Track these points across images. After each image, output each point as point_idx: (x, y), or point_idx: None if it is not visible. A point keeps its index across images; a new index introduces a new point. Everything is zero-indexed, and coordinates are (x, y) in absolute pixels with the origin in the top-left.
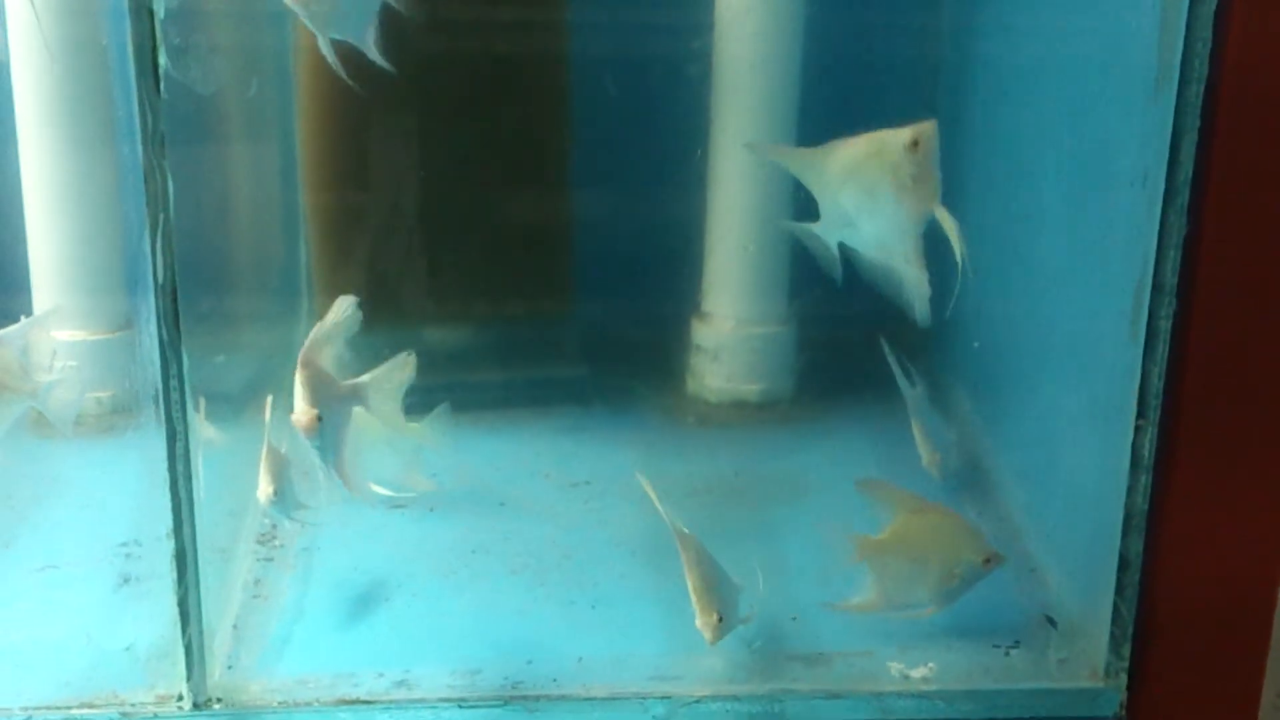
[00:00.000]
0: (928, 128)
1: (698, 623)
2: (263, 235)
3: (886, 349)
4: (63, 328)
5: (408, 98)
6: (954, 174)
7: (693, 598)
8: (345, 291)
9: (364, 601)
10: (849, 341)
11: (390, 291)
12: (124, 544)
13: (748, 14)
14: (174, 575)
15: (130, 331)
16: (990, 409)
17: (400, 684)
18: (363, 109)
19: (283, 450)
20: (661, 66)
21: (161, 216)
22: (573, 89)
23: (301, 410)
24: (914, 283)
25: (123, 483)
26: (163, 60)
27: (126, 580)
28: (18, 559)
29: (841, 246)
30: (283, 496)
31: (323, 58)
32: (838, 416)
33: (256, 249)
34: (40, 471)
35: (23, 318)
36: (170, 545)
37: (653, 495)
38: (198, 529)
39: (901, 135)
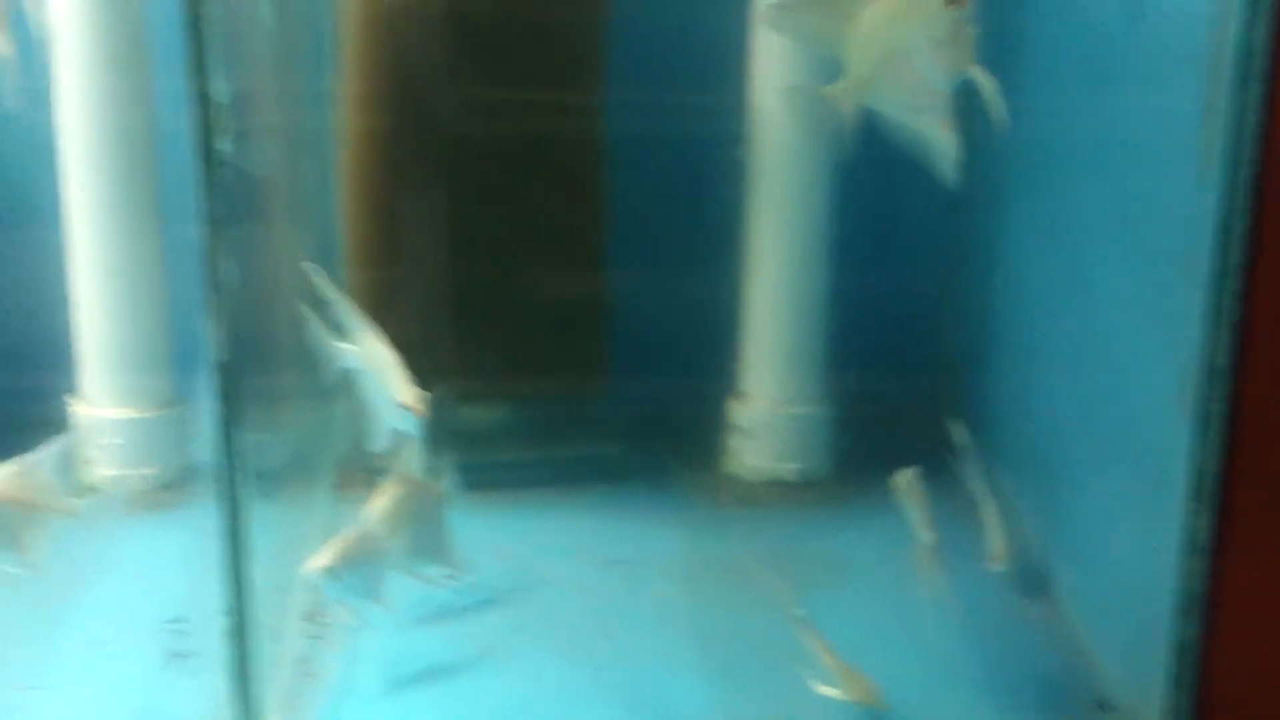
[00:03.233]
0: None
1: (853, 698)
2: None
3: (954, 435)
4: (109, 405)
5: (446, 178)
6: (1001, 254)
7: (839, 677)
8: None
9: (411, 680)
10: (887, 421)
11: (427, 369)
12: (172, 620)
13: (783, 99)
14: (230, 652)
15: (175, 409)
16: (1035, 491)
17: None
18: (401, 188)
19: (367, 535)
20: (698, 147)
21: (220, 297)
22: (609, 169)
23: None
24: (943, 144)
25: (170, 559)
26: (223, 145)
27: (175, 657)
28: (67, 636)
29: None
30: (343, 577)
31: (364, 140)
32: (876, 496)
33: (296, 327)
34: (87, 548)
35: (69, 401)
36: (226, 622)
37: (770, 583)
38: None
39: None
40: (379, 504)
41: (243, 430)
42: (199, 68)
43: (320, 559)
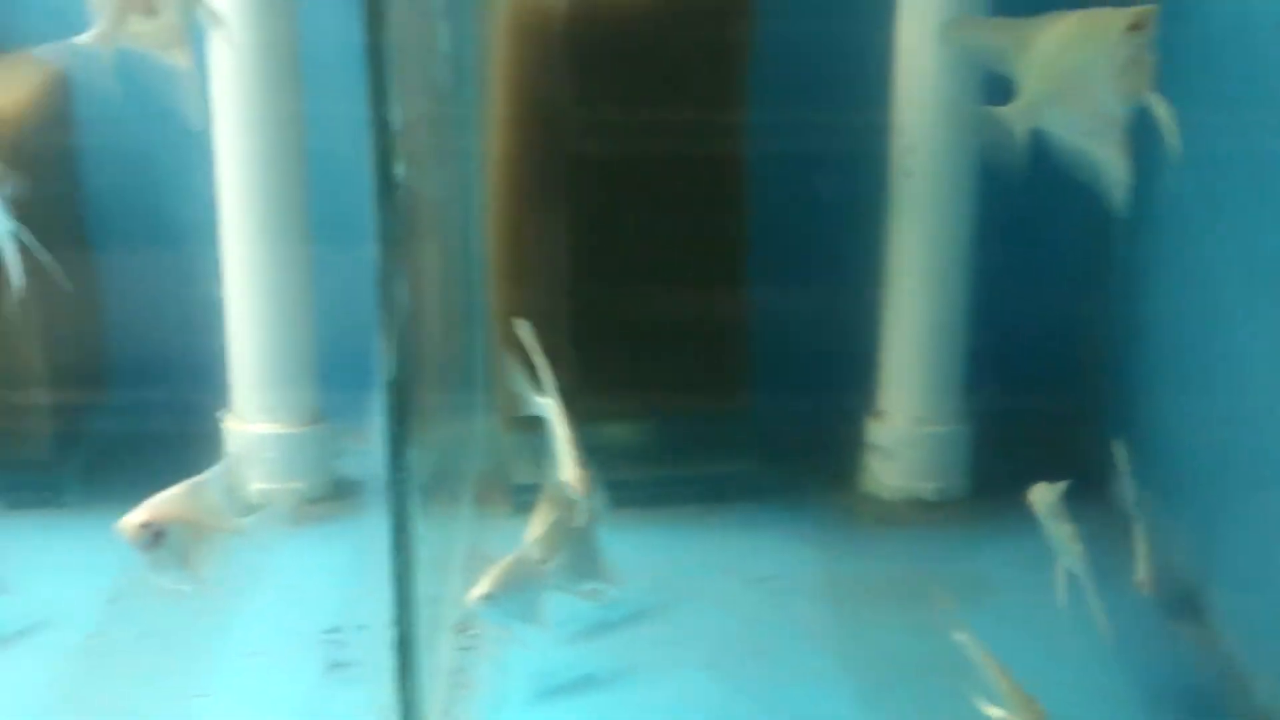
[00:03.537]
0: (1149, 11)
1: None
2: (449, 330)
3: (1118, 455)
4: (259, 421)
5: (591, 197)
6: (1154, 270)
7: (1009, 699)
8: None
9: (560, 692)
10: (1026, 440)
11: (566, 386)
12: (328, 631)
13: (928, 110)
14: (395, 664)
15: (321, 425)
16: (1188, 510)
17: None
18: (546, 208)
19: (524, 559)
20: (840, 165)
21: (393, 316)
22: (751, 187)
23: None
24: (1116, 171)
25: (323, 572)
26: (399, 169)
27: (334, 666)
28: (227, 646)
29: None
30: (502, 603)
31: (508, 157)
32: (1015, 516)
33: (444, 344)
34: (242, 560)
35: (221, 416)
36: (392, 634)
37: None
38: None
39: (1122, 16)
40: (535, 527)
41: (411, 447)
42: (378, 93)
43: (480, 587)
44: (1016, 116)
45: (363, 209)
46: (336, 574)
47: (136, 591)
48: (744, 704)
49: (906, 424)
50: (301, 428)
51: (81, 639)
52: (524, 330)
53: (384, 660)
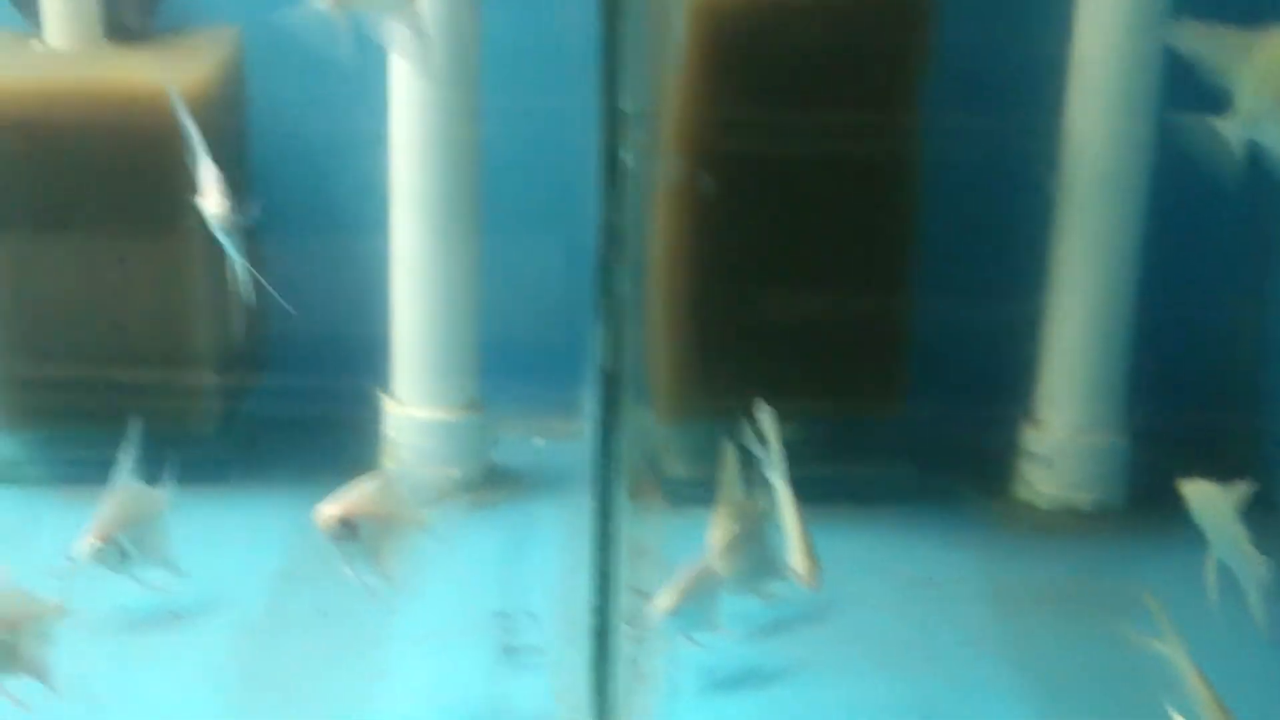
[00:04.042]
0: None
1: None
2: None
3: None
4: (421, 407)
5: (760, 198)
6: None
7: (1209, 709)
8: (685, 384)
9: (733, 687)
10: (1186, 455)
11: (725, 384)
12: (497, 616)
13: (1100, 121)
14: (591, 652)
15: (480, 413)
16: None
17: None
18: (714, 209)
19: (704, 568)
20: (1009, 171)
21: (611, 305)
22: (921, 191)
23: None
24: None
25: (483, 557)
26: (628, 158)
27: (507, 651)
28: (399, 628)
29: None
30: (684, 614)
31: (677, 154)
32: (1173, 531)
33: None
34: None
35: (383, 398)
36: (591, 622)
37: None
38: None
39: None
40: (716, 535)
41: (620, 437)
42: (611, 81)
43: (663, 600)
44: (1233, 128)
45: (532, 198)
46: (499, 560)
47: (306, 571)
48: (919, 707)
49: (1065, 433)
50: (461, 415)
51: (257, 617)
52: (764, 414)
53: (557, 646)
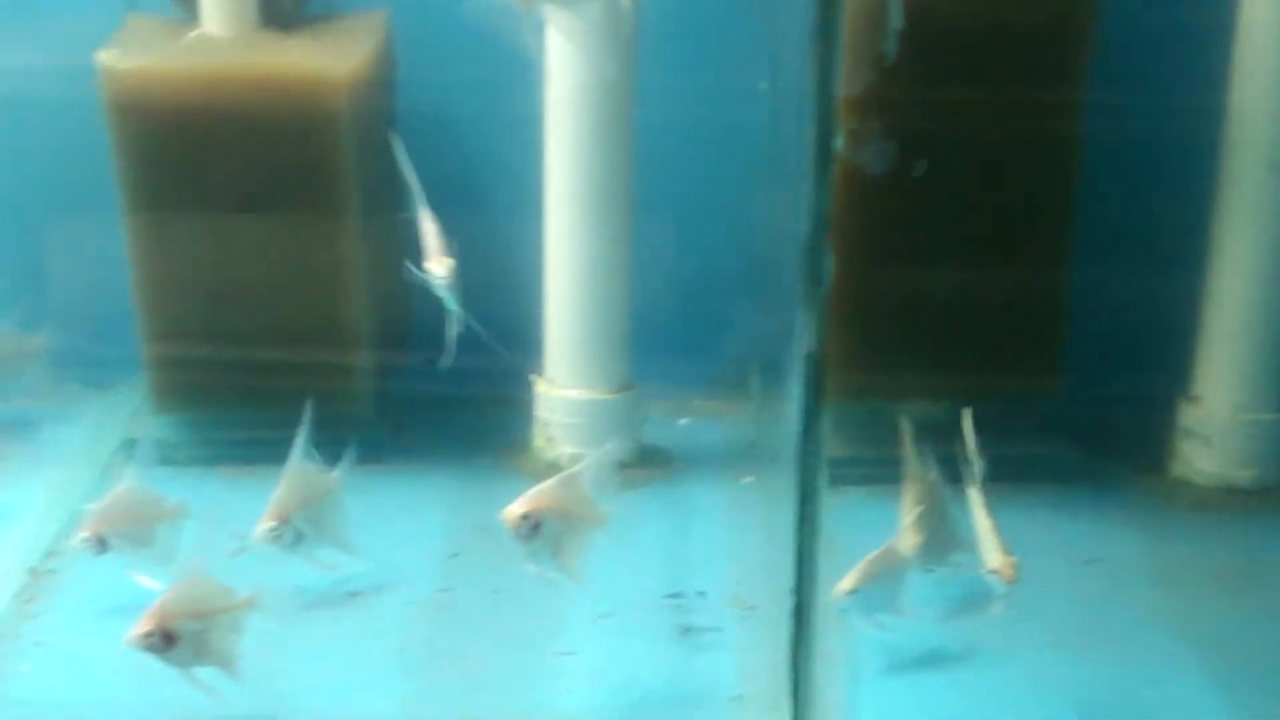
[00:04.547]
0: None
1: None
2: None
3: None
4: (572, 386)
5: (922, 175)
6: None
7: None
8: (844, 363)
9: (915, 667)
10: None
11: (883, 363)
12: (670, 596)
13: (1266, 94)
14: (791, 631)
15: (631, 392)
16: None
17: None
18: (879, 187)
19: (889, 550)
20: (1172, 148)
21: (817, 290)
22: (1083, 167)
23: None
24: None
25: (645, 536)
26: (838, 143)
27: (685, 631)
28: (573, 607)
29: None
30: (868, 596)
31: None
32: None
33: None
34: None
35: (533, 381)
36: (791, 602)
37: None
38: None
39: None
40: (906, 516)
41: (822, 421)
42: (826, 66)
43: (846, 582)
44: None
45: (686, 182)
46: (663, 539)
47: (473, 550)
48: (1099, 685)
49: (1224, 410)
50: (613, 394)
51: (430, 594)
52: (966, 419)
53: (733, 626)
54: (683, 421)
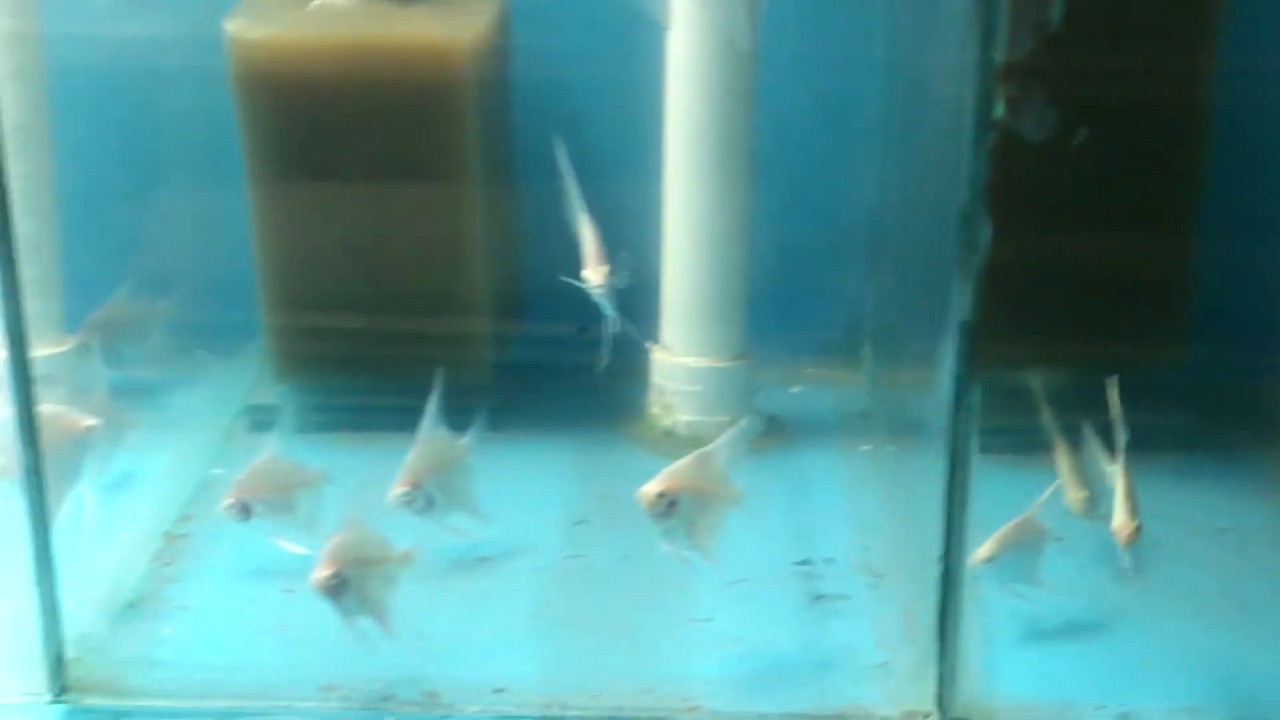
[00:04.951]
0: None
1: None
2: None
3: None
4: (689, 354)
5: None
6: None
7: None
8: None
9: (1051, 637)
10: None
11: (1011, 331)
12: (799, 563)
13: None
14: (939, 599)
15: (746, 360)
16: None
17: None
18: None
19: (1027, 521)
20: None
21: (973, 259)
22: (1214, 135)
23: None
24: None
25: (766, 503)
26: (998, 111)
27: (817, 599)
28: (703, 573)
29: None
30: (1003, 565)
31: None
32: None
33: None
34: None
35: (650, 348)
36: (937, 570)
37: None
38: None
39: None
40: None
41: (975, 390)
42: (988, 32)
43: (983, 551)
44: None
45: (799, 147)
46: (785, 507)
47: (598, 517)
48: (1238, 656)
49: None
50: (729, 362)
51: (560, 561)
52: (1112, 387)
53: (862, 593)
54: (794, 389)
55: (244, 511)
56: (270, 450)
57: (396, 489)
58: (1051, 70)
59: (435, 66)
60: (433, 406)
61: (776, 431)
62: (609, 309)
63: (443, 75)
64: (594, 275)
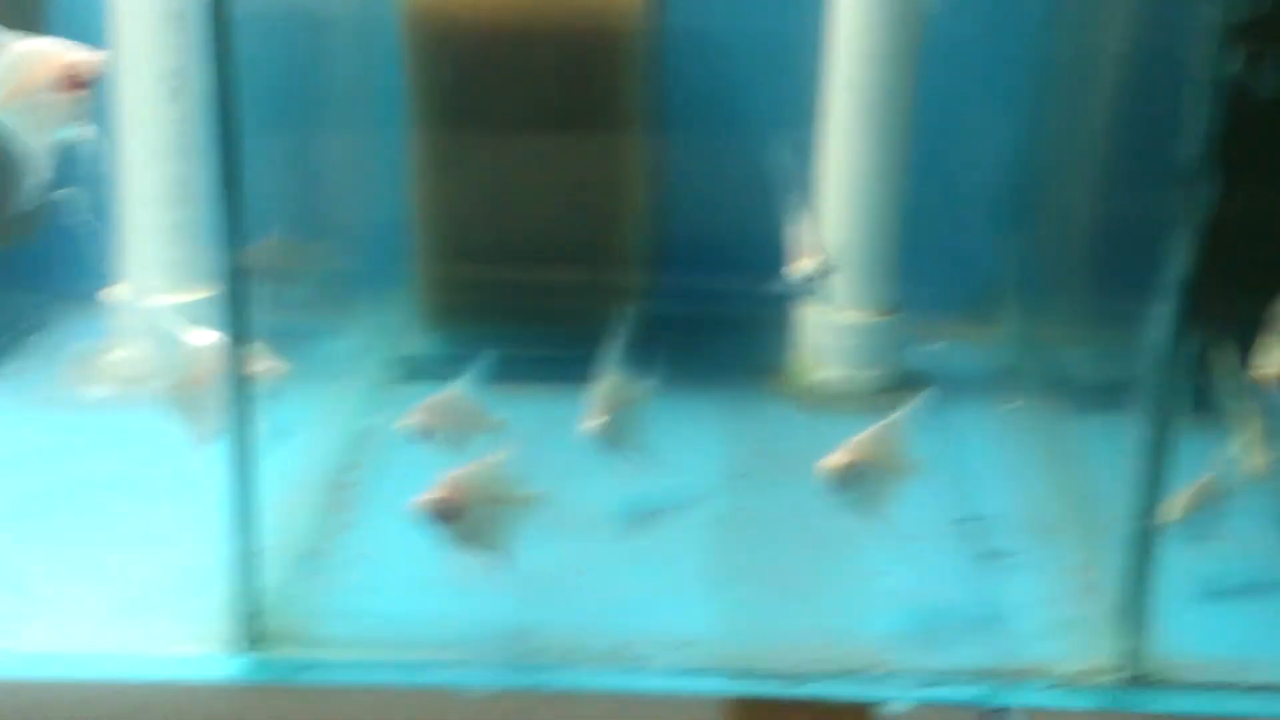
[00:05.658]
0: None
1: None
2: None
3: None
4: (843, 309)
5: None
6: None
7: None
8: None
9: (1230, 596)
10: None
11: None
12: (966, 519)
13: None
14: (1135, 556)
15: (899, 315)
16: None
17: None
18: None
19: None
20: None
21: (1196, 218)
22: None
23: None
24: None
25: (935, 461)
26: (1230, 67)
27: (989, 555)
28: (873, 527)
29: None
30: (1192, 523)
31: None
32: None
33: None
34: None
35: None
36: (1135, 528)
37: None
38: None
39: None
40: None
41: (1188, 346)
42: None
43: (1171, 509)
44: None
45: (946, 104)
46: (943, 464)
47: (760, 471)
48: None
49: None
50: (881, 317)
51: (728, 514)
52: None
53: (1034, 549)
54: (938, 345)
55: (427, 434)
56: (456, 389)
57: (591, 421)
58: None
59: (604, 16)
60: (616, 347)
61: (925, 388)
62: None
63: (612, 25)
64: (806, 264)
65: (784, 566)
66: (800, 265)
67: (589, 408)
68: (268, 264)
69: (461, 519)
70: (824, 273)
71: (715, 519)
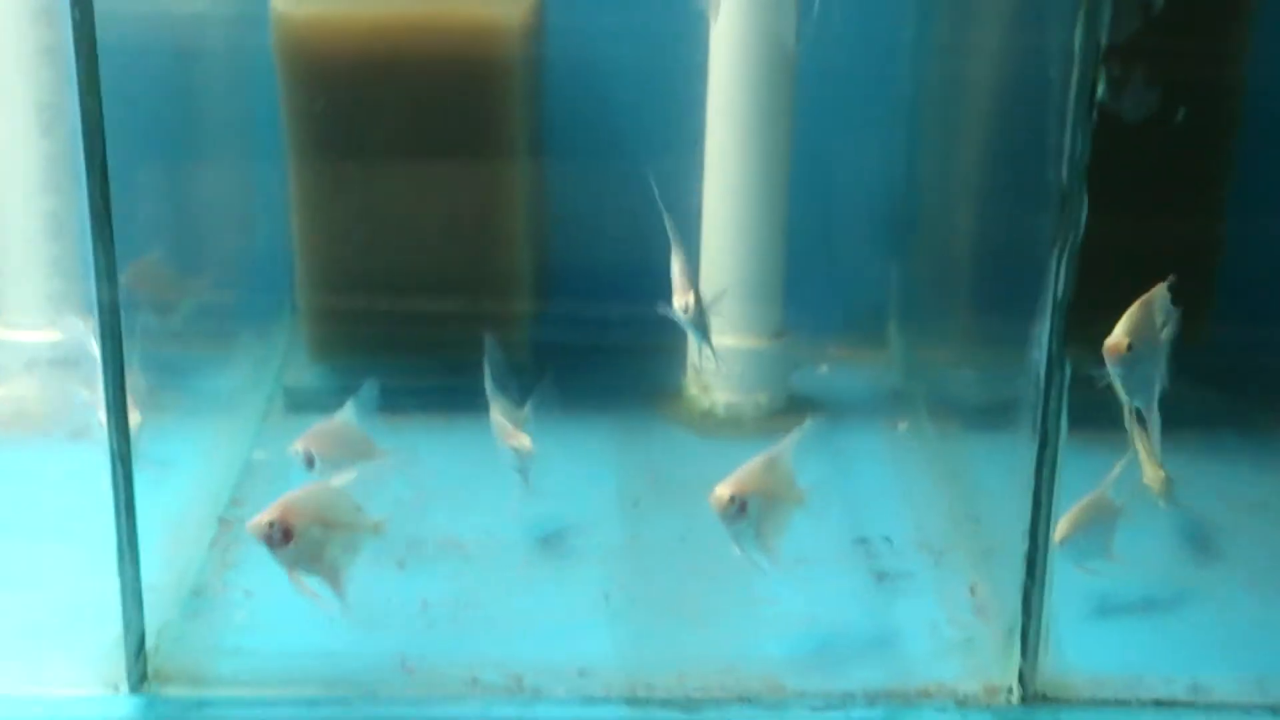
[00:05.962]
0: None
1: None
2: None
3: None
4: (729, 334)
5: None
6: None
7: None
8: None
9: (1120, 612)
10: None
11: None
12: (857, 541)
13: None
14: (1024, 576)
15: (785, 339)
16: None
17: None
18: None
19: (1099, 500)
20: None
21: (1071, 238)
22: (1244, 116)
23: None
24: None
25: (816, 483)
26: (1100, 91)
27: (881, 577)
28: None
29: None
30: (1076, 544)
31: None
32: None
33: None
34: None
35: None
36: (1023, 547)
37: None
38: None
39: None
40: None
41: (1062, 369)
42: (1094, 14)
43: (1060, 530)
44: None
45: (849, 133)
46: (832, 486)
47: (647, 498)
48: None
49: None
50: (767, 342)
51: (621, 542)
52: None
53: (925, 571)
54: (822, 369)
55: (309, 461)
56: (344, 416)
57: (514, 441)
58: (1182, 52)
59: (483, 45)
60: (489, 375)
61: (812, 411)
62: (699, 338)
63: (491, 54)
64: (676, 299)
65: (679, 593)
66: (680, 302)
67: (505, 431)
68: (145, 287)
69: (292, 542)
70: (703, 312)
71: (610, 547)
